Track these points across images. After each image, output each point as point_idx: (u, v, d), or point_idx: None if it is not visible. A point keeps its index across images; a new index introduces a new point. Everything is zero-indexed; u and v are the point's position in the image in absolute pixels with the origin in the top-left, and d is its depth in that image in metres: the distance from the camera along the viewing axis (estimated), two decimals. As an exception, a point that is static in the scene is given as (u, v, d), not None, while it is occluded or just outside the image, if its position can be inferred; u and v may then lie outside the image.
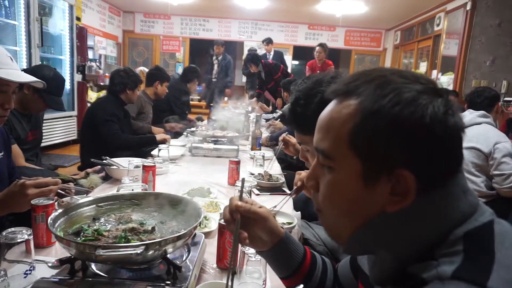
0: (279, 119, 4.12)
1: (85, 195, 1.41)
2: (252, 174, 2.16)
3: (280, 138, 2.16)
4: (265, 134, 3.73)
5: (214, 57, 7.44)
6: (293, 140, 2.05)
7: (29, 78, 1.36)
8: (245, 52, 8.85)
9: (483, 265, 0.48)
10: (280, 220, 1.49)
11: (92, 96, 6.56)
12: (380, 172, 0.53)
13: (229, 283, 0.70)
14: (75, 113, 5.75)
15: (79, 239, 0.93)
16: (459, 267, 0.48)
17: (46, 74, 2.19)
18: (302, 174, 1.55)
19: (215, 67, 7.47)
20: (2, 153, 1.56)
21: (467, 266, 0.48)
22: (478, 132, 2.38)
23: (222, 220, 1.12)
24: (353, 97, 0.56)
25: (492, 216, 0.56)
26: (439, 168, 0.53)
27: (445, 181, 0.54)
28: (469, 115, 2.49)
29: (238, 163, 2.03)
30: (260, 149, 2.99)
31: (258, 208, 0.83)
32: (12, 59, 1.31)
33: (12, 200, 1.20)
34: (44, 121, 2.84)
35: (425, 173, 0.53)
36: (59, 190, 1.33)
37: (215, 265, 1.14)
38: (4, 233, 0.95)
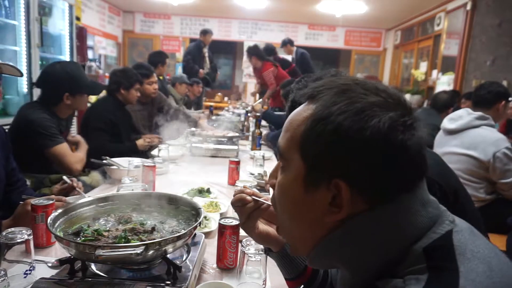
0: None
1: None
2: (252, 174, 2.15)
3: None
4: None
5: (205, 49, 6.23)
6: None
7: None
8: (245, 53, 8.84)
9: (449, 281, 0.47)
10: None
11: (92, 96, 6.53)
12: (320, 179, 0.53)
13: None
14: (75, 113, 5.74)
15: (78, 239, 0.93)
16: (426, 286, 0.47)
17: (64, 72, 2.08)
18: None
19: (207, 60, 6.27)
20: None
21: (433, 284, 0.47)
22: (476, 138, 2.27)
23: (222, 220, 1.12)
24: (314, 102, 0.56)
25: (451, 225, 0.54)
26: (383, 183, 0.51)
27: (396, 196, 0.52)
28: (466, 117, 2.35)
29: (238, 163, 2.03)
30: (260, 149, 2.99)
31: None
32: None
33: (24, 221, 1.22)
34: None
35: (366, 187, 0.51)
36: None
37: (215, 265, 1.14)
38: (4, 233, 0.95)
